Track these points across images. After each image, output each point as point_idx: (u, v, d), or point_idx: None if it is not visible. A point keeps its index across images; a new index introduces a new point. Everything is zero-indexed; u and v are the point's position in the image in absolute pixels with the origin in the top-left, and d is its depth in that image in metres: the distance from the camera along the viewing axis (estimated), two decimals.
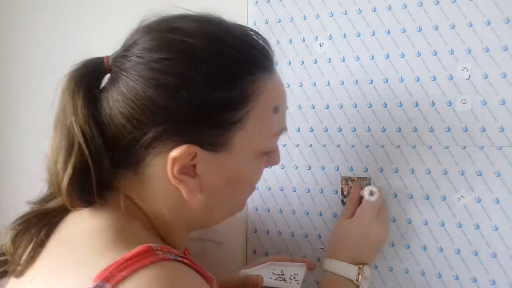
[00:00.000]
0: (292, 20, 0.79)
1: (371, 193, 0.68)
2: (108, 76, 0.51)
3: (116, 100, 0.48)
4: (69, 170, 0.47)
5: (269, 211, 0.81)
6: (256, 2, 0.82)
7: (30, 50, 1.07)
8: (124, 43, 0.52)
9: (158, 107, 0.47)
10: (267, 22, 0.81)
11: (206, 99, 0.48)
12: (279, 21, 0.80)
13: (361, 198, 0.70)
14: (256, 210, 0.82)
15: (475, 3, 0.66)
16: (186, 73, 0.47)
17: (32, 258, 0.49)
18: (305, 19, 0.78)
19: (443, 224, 0.68)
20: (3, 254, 0.51)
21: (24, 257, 0.49)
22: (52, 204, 0.52)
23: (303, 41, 0.78)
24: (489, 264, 0.65)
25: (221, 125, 0.49)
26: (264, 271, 0.70)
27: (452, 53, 0.68)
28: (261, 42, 0.53)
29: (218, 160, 0.50)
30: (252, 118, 0.51)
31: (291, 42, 0.79)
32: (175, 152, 0.47)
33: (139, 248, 0.42)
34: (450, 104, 0.68)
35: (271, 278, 0.69)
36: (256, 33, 0.53)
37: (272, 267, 0.72)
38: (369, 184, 0.73)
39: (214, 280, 0.47)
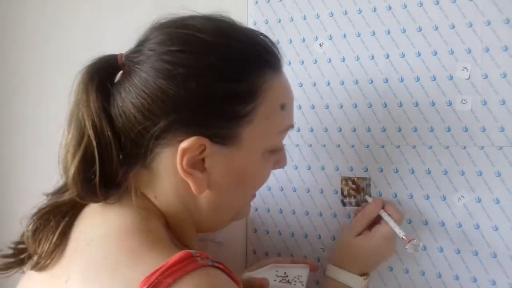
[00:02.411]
0: (292, 20, 0.79)
1: (414, 247, 0.64)
2: (121, 72, 0.53)
3: (129, 92, 0.50)
4: (76, 160, 0.49)
5: (269, 211, 0.81)
6: (256, 2, 0.82)
7: (36, 50, 1.07)
8: (138, 41, 0.54)
9: (168, 97, 0.48)
10: (267, 22, 0.81)
11: (215, 90, 0.49)
12: (279, 21, 0.80)
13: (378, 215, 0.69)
14: (256, 210, 0.82)
15: (475, 3, 0.66)
16: (195, 64, 0.49)
17: (54, 252, 0.49)
18: (305, 19, 0.78)
19: (443, 224, 0.68)
20: (23, 242, 0.52)
21: (45, 250, 0.49)
22: (66, 195, 0.53)
23: (303, 41, 0.78)
24: (489, 264, 0.65)
25: (230, 118, 0.50)
26: (267, 274, 0.70)
27: (452, 53, 0.68)
28: (267, 41, 0.55)
29: (226, 154, 0.51)
30: (260, 113, 0.52)
31: (291, 42, 0.79)
32: (185, 144, 0.48)
33: (180, 254, 0.43)
34: (450, 104, 0.68)
35: (275, 280, 0.69)
36: (265, 35, 0.55)
37: (275, 269, 0.71)
38: (369, 184, 0.73)
39: (241, 284, 0.48)
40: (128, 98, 0.50)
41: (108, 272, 0.44)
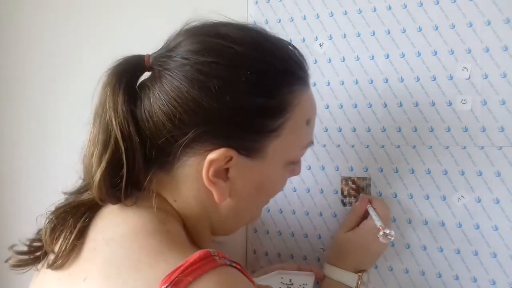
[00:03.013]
0: (292, 20, 0.79)
1: (385, 236, 0.63)
2: (147, 73, 0.53)
3: (158, 98, 0.49)
4: (103, 164, 0.49)
5: (269, 211, 0.81)
6: (256, 2, 0.82)
7: (44, 50, 1.07)
8: (167, 44, 0.53)
9: (201, 108, 0.48)
10: (267, 22, 0.81)
11: (248, 105, 0.49)
12: (279, 21, 0.80)
13: (366, 211, 0.69)
14: None
15: (475, 3, 0.66)
16: (231, 77, 0.48)
17: (71, 251, 0.49)
18: (305, 19, 0.78)
19: (443, 224, 0.68)
20: (39, 240, 0.53)
21: (63, 249, 0.49)
22: (86, 195, 0.53)
23: (303, 41, 0.78)
24: (489, 264, 0.65)
25: (259, 132, 0.51)
26: (272, 280, 0.70)
27: (452, 53, 0.68)
28: (298, 55, 0.55)
29: (250, 166, 0.52)
30: (288, 128, 0.52)
31: (291, 42, 0.79)
32: (213, 155, 0.49)
33: (199, 253, 0.43)
34: (450, 104, 0.68)
35: (280, 287, 0.69)
36: (294, 46, 0.56)
37: (280, 276, 0.71)
38: (369, 184, 0.73)
39: (256, 284, 0.49)
40: (158, 105, 0.49)
41: (129, 271, 0.44)
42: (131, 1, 0.95)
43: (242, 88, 0.49)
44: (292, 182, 0.79)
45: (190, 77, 0.48)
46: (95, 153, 0.50)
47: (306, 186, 0.78)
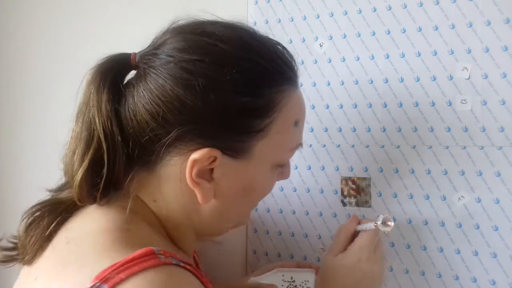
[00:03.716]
0: (292, 20, 0.79)
1: (385, 223, 0.59)
2: (133, 72, 0.52)
3: (142, 96, 0.48)
4: (85, 163, 0.48)
5: (269, 211, 0.81)
6: (256, 2, 0.82)
7: (41, 50, 1.07)
8: (153, 42, 0.52)
9: (185, 107, 0.47)
10: (267, 22, 0.81)
11: (233, 104, 0.48)
12: (279, 21, 0.80)
13: (356, 231, 0.65)
14: (256, 210, 0.82)
15: (475, 3, 0.66)
16: (215, 76, 0.48)
17: (39, 249, 0.49)
18: (305, 19, 0.78)
19: (443, 224, 0.68)
20: (14, 239, 0.52)
21: (32, 246, 0.49)
22: (65, 194, 0.52)
23: (303, 41, 0.78)
24: (489, 264, 0.65)
25: (245, 132, 0.50)
26: (274, 279, 0.69)
27: (452, 53, 0.68)
28: (287, 54, 0.54)
29: (236, 166, 0.50)
30: (275, 128, 0.51)
31: (291, 42, 0.79)
32: (196, 155, 0.47)
33: (140, 250, 0.42)
34: (450, 104, 0.68)
35: (282, 286, 0.69)
36: (283, 46, 0.54)
37: (281, 274, 0.71)
38: (369, 184, 0.73)
39: None
40: (142, 103, 0.48)
41: (75, 268, 0.43)
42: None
43: (227, 87, 0.48)
44: (292, 182, 0.79)
45: (175, 75, 0.47)
46: (77, 151, 0.49)
47: (306, 186, 0.78)
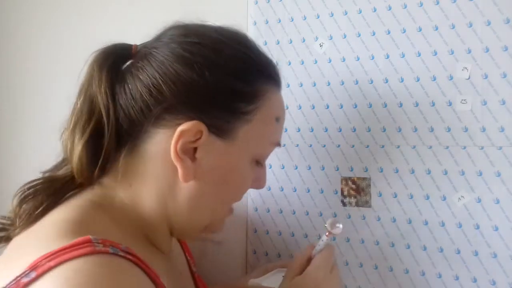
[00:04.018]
0: (292, 20, 0.79)
1: (333, 226, 0.60)
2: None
3: (141, 72, 0.52)
4: (86, 135, 0.51)
5: (269, 211, 0.81)
6: (256, 2, 0.82)
7: (41, 50, 1.07)
8: (155, 37, 0.56)
9: (180, 80, 0.50)
10: (267, 22, 0.81)
11: (225, 84, 0.52)
12: (279, 21, 0.80)
13: (310, 257, 0.63)
14: (256, 210, 0.82)
15: (475, 3, 0.66)
16: (213, 58, 0.52)
17: (24, 226, 0.49)
18: (305, 19, 0.78)
19: (443, 224, 0.68)
20: (8, 218, 0.52)
21: (21, 221, 0.49)
22: (62, 171, 0.53)
23: (303, 41, 0.78)
24: (489, 264, 0.65)
25: (232, 112, 0.53)
26: (275, 279, 0.69)
27: (452, 53, 0.68)
28: (276, 68, 0.60)
29: (219, 148, 0.52)
30: (259, 115, 0.55)
31: (291, 42, 0.79)
32: (184, 126, 0.50)
33: (78, 239, 0.41)
34: (450, 104, 0.68)
35: None
36: (275, 63, 0.61)
37: (281, 274, 0.70)
38: (369, 184, 0.73)
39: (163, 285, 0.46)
40: (139, 77, 0.51)
41: (18, 255, 0.43)
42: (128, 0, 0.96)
43: (221, 69, 0.52)
44: (292, 182, 0.79)
45: (175, 53, 0.51)
46: (78, 123, 0.51)
47: (306, 186, 0.78)
